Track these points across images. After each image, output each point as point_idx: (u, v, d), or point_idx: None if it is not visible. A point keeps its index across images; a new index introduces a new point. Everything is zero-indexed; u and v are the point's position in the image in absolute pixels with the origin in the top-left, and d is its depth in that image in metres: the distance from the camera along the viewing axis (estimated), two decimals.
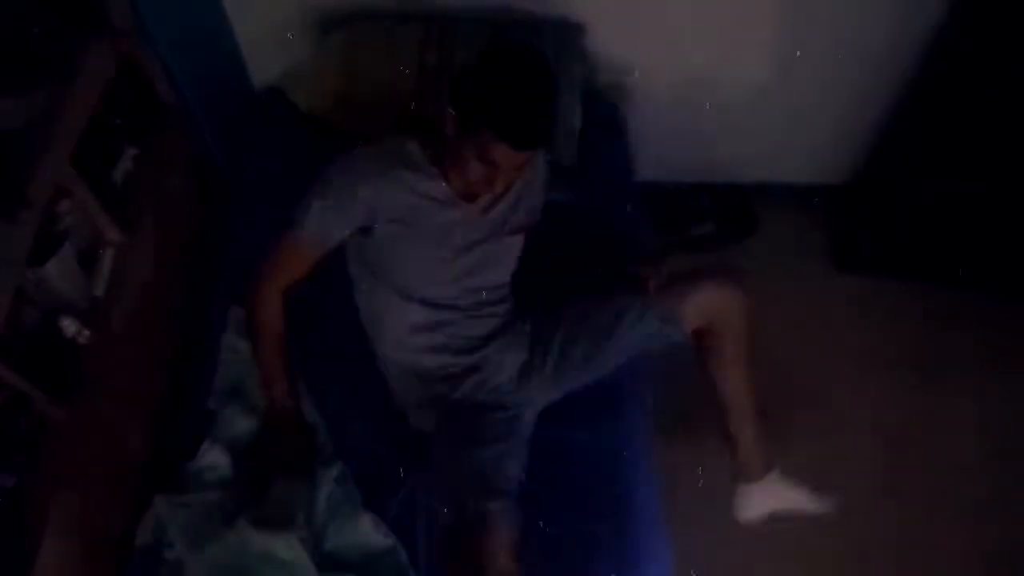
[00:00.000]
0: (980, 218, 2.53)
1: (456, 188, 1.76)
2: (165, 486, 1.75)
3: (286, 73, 2.47)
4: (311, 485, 1.76)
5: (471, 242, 1.82)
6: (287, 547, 1.63)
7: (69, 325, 1.68)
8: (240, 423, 1.86)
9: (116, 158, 1.97)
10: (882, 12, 2.31)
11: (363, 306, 1.91)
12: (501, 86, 1.57)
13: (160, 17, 2.03)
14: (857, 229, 2.79)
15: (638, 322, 1.85)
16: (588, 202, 2.23)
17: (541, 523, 1.73)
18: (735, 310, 1.88)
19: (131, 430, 1.92)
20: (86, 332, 1.72)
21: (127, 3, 1.93)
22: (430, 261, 1.81)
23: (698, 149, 2.76)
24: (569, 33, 2.34)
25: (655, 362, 2.00)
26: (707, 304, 1.87)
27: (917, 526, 2.33)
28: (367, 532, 1.73)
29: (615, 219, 2.25)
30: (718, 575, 2.15)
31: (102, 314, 1.79)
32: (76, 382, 1.67)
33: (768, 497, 2.02)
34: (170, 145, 2.19)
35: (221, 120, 2.43)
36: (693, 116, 2.63)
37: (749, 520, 2.05)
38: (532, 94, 1.58)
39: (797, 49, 2.42)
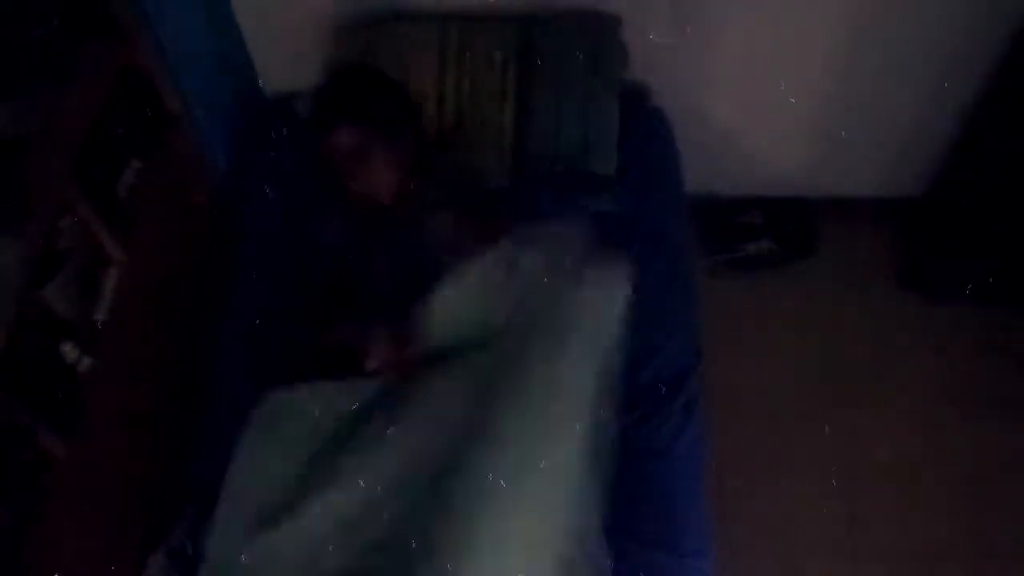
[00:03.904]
0: None
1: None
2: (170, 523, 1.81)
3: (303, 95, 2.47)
4: None
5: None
6: None
7: (70, 351, 1.70)
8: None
9: (119, 171, 2.00)
10: (957, 13, 2.30)
11: None
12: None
13: (165, 20, 2.07)
14: (928, 247, 2.78)
15: None
16: (632, 213, 2.26)
17: None
18: None
19: (134, 463, 1.94)
20: (87, 359, 1.74)
21: (130, 5, 1.97)
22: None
23: (751, 159, 2.76)
24: (603, 26, 2.35)
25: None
26: None
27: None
28: None
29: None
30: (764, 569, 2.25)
31: (104, 339, 1.81)
32: (78, 413, 1.69)
33: None
34: (175, 157, 2.23)
35: (229, 130, 2.48)
36: (745, 121, 2.64)
37: None
38: (328, 86, 2.04)
39: (863, 49, 2.42)
